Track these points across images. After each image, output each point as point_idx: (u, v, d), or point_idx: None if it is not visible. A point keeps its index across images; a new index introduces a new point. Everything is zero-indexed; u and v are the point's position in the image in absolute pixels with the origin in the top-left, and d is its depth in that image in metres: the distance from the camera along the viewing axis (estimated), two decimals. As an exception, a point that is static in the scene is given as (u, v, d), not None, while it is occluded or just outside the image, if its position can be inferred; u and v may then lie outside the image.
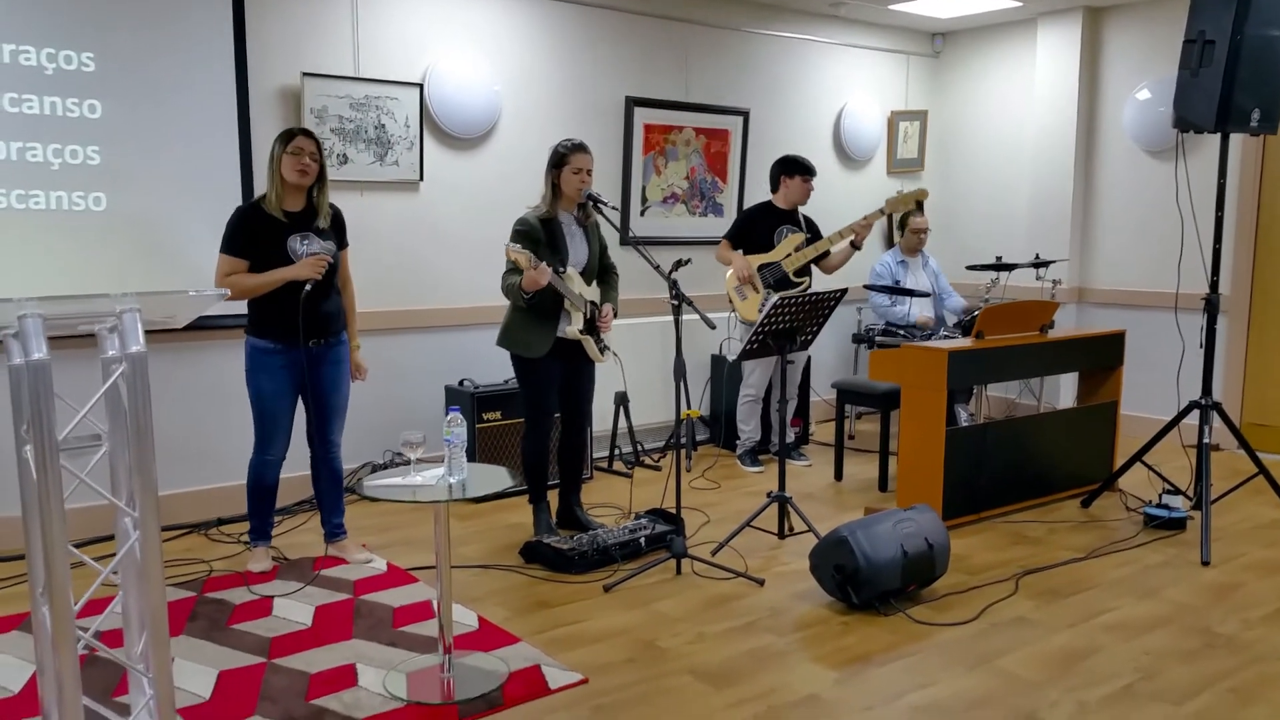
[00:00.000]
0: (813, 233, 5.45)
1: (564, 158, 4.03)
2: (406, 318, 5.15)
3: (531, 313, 4.03)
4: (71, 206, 4.15)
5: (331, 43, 4.83)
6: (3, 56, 3.97)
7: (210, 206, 4.37)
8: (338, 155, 4.81)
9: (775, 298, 4.09)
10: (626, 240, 4.29)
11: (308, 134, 3.72)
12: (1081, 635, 3.27)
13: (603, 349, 4.19)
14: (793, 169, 5.35)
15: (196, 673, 2.95)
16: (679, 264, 4.44)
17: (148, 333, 4.04)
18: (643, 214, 5.96)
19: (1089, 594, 3.65)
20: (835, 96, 6.83)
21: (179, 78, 4.39)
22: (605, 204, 4.08)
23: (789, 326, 4.19)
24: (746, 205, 6.19)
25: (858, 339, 6.33)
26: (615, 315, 4.24)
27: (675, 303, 3.93)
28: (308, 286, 3.65)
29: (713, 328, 4.02)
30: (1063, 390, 6.47)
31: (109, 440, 2.44)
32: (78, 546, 4.04)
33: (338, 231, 3.87)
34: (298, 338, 3.70)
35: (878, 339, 5.74)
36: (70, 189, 4.16)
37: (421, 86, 5.02)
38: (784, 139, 6.51)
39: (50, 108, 4.09)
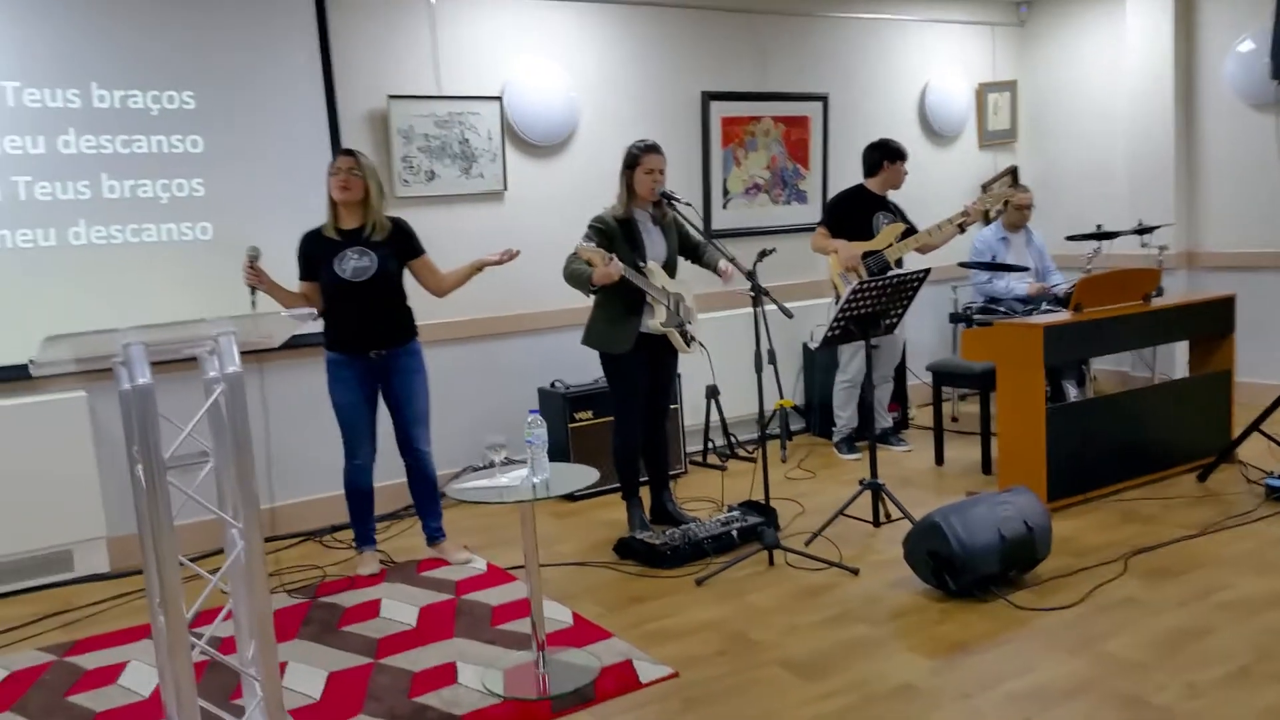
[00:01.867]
0: (906, 221, 5.37)
1: (636, 159, 4.07)
2: (497, 324, 5.24)
3: (614, 309, 4.07)
4: (180, 237, 4.39)
5: (414, 64, 4.96)
6: (114, 102, 4.27)
7: (307, 228, 4.52)
8: (425, 172, 4.94)
9: (855, 282, 4.06)
10: (705, 237, 4.30)
11: (347, 153, 3.88)
12: (1194, 615, 3.15)
13: (689, 340, 4.19)
14: (894, 155, 5.27)
15: (308, 675, 3.07)
16: (764, 254, 4.39)
17: (261, 351, 4.30)
18: (725, 207, 5.95)
19: (1203, 572, 3.51)
20: (918, 73, 6.71)
21: (273, 109, 4.57)
22: (679, 200, 4.12)
23: (871, 311, 4.15)
24: (832, 190, 6.10)
25: (955, 318, 6.20)
26: (736, 267, 4.15)
27: (753, 294, 3.94)
28: (251, 297, 3.66)
29: (790, 317, 4.01)
30: (1177, 361, 6.24)
31: (214, 456, 2.59)
32: (193, 560, 4.21)
33: (401, 242, 3.94)
34: (360, 348, 3.84)
35: (975, 317, 5.62)
36: (179, 220, 4.39)
37: (501, 99, 5.11)
38: (866, 120, 6.44)
39: (157, 146, 4.34)
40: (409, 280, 4.02)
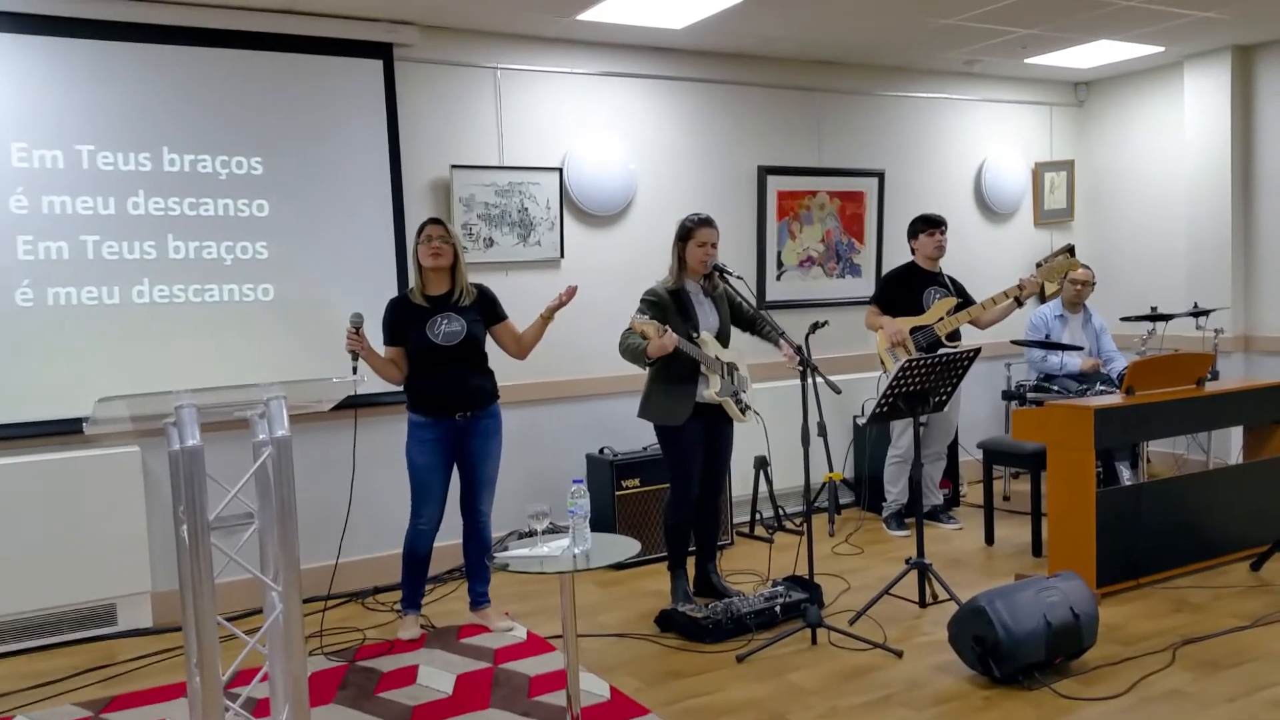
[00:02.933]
0: (960, 295, 5.32)
1: (690, 232, 4.07)
2: (550, 389, 5.23)
3: (669, 382, 4.05)
4: (242, 298, 4.44)
5: (477, 135, 5.03)
6: (184, 166, 4.36)
7: (368, 293, 4.60)
8: (484, 239, 4.97)
9: (904, 359, 3.99)
10: (757, 310, 4.26)
11: (436, 221, 3.94)
12: (1242, 711, 3.03)
13: (744, 409, 4.16)
14: (927, 223, 5.28)
15: (344, 739, 3.03)
16: (816, 326, 4.35)
17: (313, 414, 4.32)
18: (779, 278, 5.92)
19: (1254, 665, 3.38)
20: (975, 151, 6.68)
21: (338, 175, 4.63)
22: (731, 274, 4.10)
23: (920, 388, 4.08)
24: (886, 264, 6.08)
25: (1008, 395, 6.06)
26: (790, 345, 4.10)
27: (801, 368, 3.89)
28: (354, 363, 3.72)
29: (837, 393, 3.94)
30: (1233, 446, 6.02)
31: (259, 518, 2.58)
32: (234, 618, 4.22)
33: (485, 307, 4.00)
34: (446, 411, 3.85)
35: (1028, 395, 5.50)
36: (241, 282, 4.44)
37: (561, 170, 5.15)
38: (922, 196, 6.40)
39: (224, 209, 4.41)
40: (489, 344, 4.06)
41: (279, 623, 2.43)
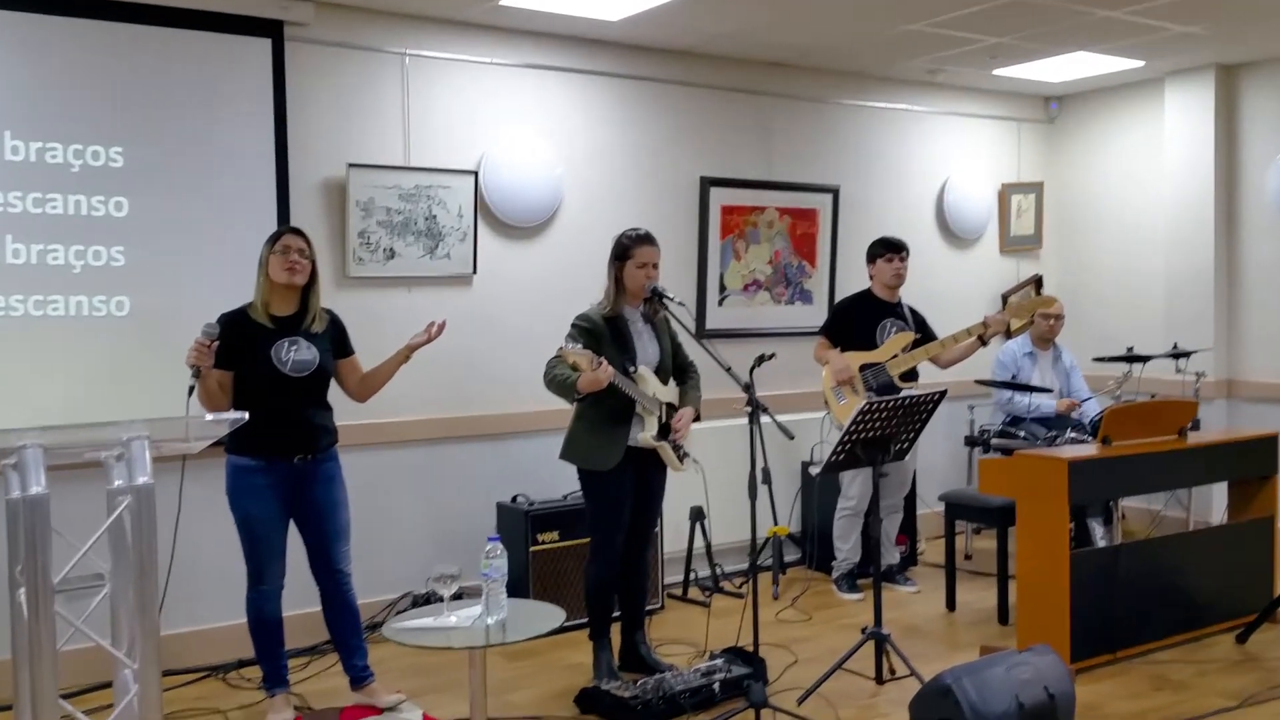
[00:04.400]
0: (921, 330, 5.42)
1: (628, 250, 4.08)
2: (457, 426, 5.14)
3: (599, 421, 4.04)
4: (93, 312, 4.25)
5: (379, 130, 4.94)
6: (28, 155, 4.15)
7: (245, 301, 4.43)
8: (384, 250, 4.89)
9: (862, 402, 4.01)
10: (698, 336, 4.26)
11: (296, 231, 3.85)
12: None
13: (682, 456, 4.17)
14: (875, 251, 5.40)
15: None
16: (761, 360, 4.36)
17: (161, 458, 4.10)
18: (721, 304, 5.95)
19: (1244, 753, 3.43)
20: (937, 169, 6.78)
21: (213, 172, 4.49)
22: (671, 299, 4.10)
23: (880, 434, 4.10)
24: (839, 290, 6.16)
25: (972, 441, 6.14)
26: (697, 418, 4.23)
27: (749, 409, 3.87)
28: (192, 381, 3.60)
29: (790, 438, 3.94)
30: (1215, 503, 6.17)
31: (111, 580, 2.47)
32: (71, 696, 3.89)
33: (337, 337, 3.95)
34: (285, 451, 3.73)
35: (993, 441, 5.59)
36: (92, 293, 4.25)
37: (476, 174, 5.10)
38: (879, 217, 6.47)
39: (74, 206, 4.22)
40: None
41: (133, 708, 2.32)
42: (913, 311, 5.48)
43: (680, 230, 5.80)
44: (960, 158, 6.88)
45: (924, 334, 5.40)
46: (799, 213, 6.19)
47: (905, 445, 4.27)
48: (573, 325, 4.05)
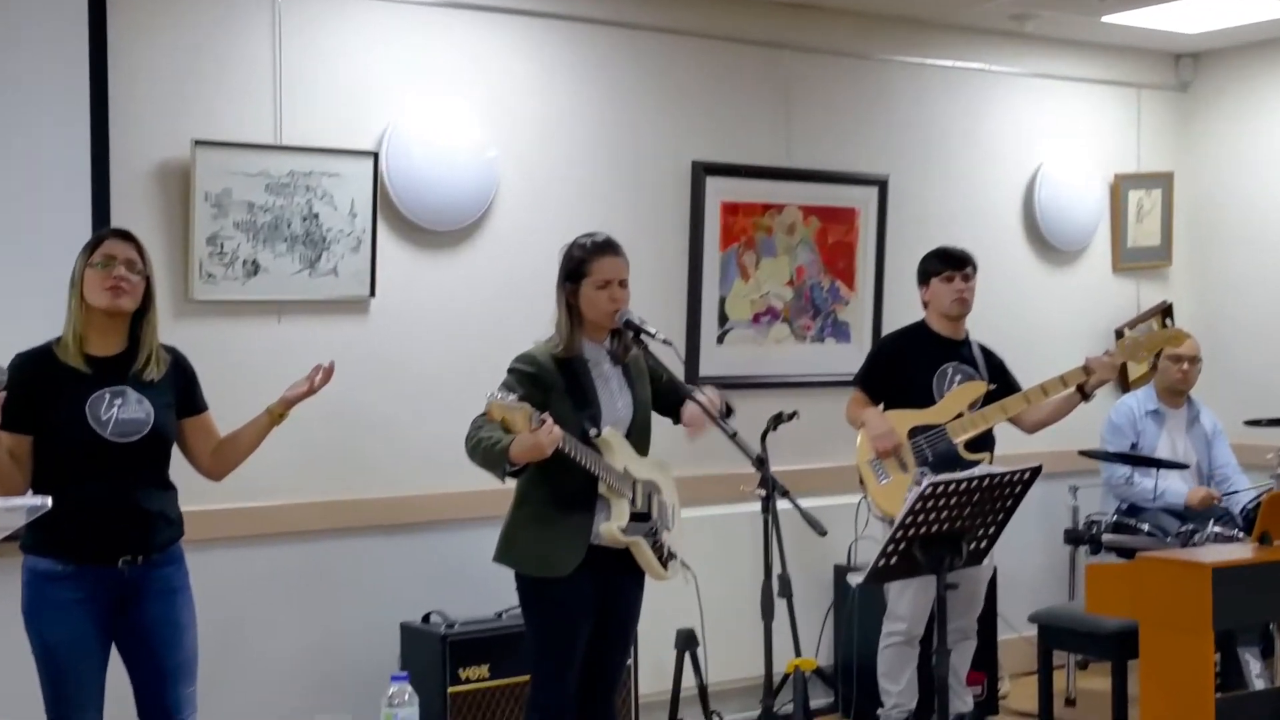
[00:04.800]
0: (998, 378, 5.41)
1: (581, 266, 4.07)
2: (347, 513, 5.08)
3: (547, 507, 4.06)
4: None
5: (239, 95, 4.87)
6: None
7: (46, 336, 4.32)
8: (245, 263, 4.82)
9: (925, 483, 3.94)
10: (688, 390, 4.23)
11: (123, 235, 3.78)
12: None
13: (666, 559, 4.17)
14: (929, 268, 5.39)
15: None
16: (778, 421, 4.33)
17: None
18: (721, 341, 5.90)
19: None
20: (1025, 154, 6.76)
21: (4, 151, 4.45)
22: (652, 334, 4.10)
23: (947, 528, 4.04)
24: (889, 323, 6.14)
25: (1075, 538, 6.05)
26: (729, 413, 4.23)
27: (763, 492, 3.81)
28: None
29: (821, 533, 3.87)
30: None
31: None
32: None
33: (182, 387, 3.90)
34: (104, 553, 3.67)
35: (1106, 538, 5.56)
36: None
37: (377, 156, 5.09)
38: (944, 220, 6.43)
39: None
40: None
41: None
42: (985, 352, 5.44)
43: (664, 237, 5.79)
44: (1057, 138, 6.83)
45: (1001, 384, 5.38)
46: (831, 213, 6.15)
47: (983, 545, 4.23)
48: (509, 371, 4.05)
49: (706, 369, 5.82)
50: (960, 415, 5.20)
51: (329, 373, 3.96)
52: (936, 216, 6.44)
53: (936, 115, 6.50)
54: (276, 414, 3.95)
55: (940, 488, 3.95)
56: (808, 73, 6.14)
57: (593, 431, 4.01)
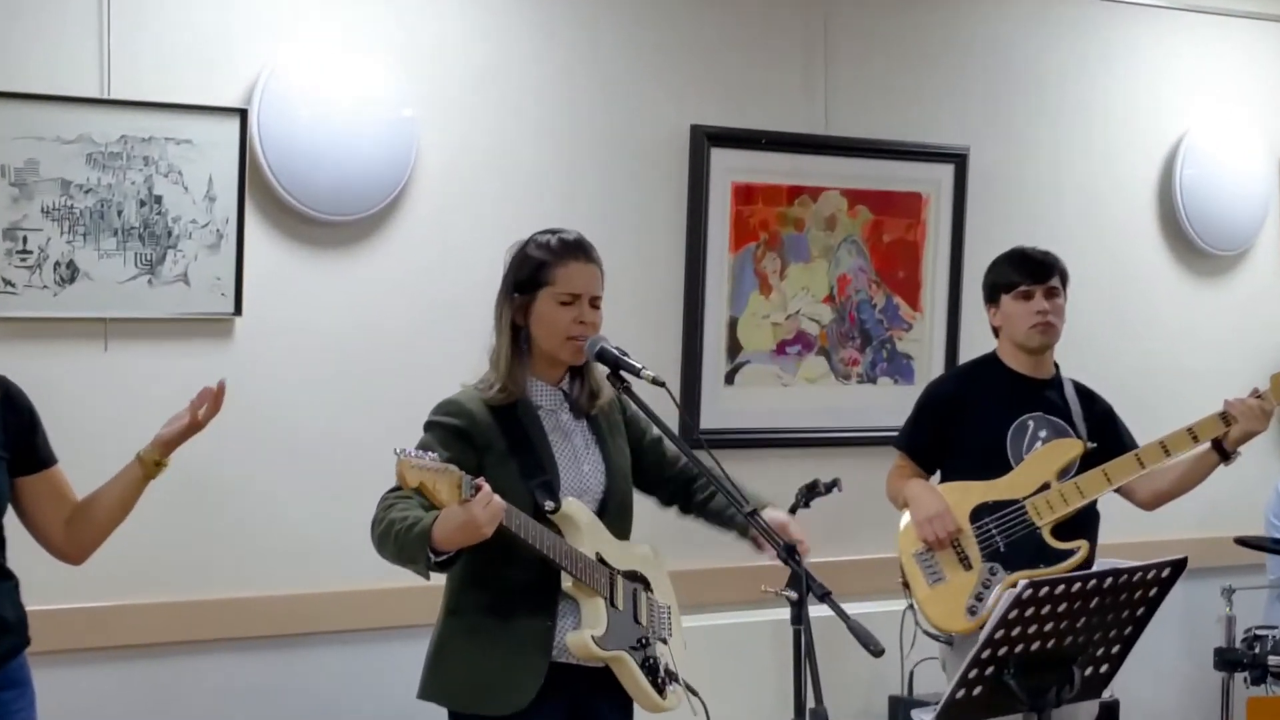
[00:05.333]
0: (1102, 433, 5.41)
1: (539, 273, 4.07)
2: (205, 619, 5.11)
3: (488, 614, 4.08)
4: None
5: (51, 32, 4.90)
6: None
7: None
8: (57, 264, 4.85)
9: (1021, 584, 3.93)
10: (688, 450, 4.17)
11: None
12: None
13: (661, 681, 4.16)
14: (997, 279, 5.41)
15: None
16: (813, 492, 4.32)
17: None
18: (730, 380, 5.99)
19: None
20: (1161, 119, 6.87)
21: None
22: (636, 369, 4.04)
23: (1055, 647, 4.04)
24: (969, 351, 6.21)
25: (1230, 660, 6.03)
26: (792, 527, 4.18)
27: (793, 594, 3.77)
28: None
29: (876, 653, 3.82)
30: None
31: None
32: None
33: (16, 432, 3.92)
34: None
35: (1274, 660, 5.65)
36: None
37: (245, 115, 5.14)
38: (1044, 209, 6.52)
39: None
40: (10, 521, 3.94)
41: None
42: (1084, 395, 5.48)
43: (651, 235, 5.88)
44: (1208, 96, 6.92)
45: (1106, 440, 5.40)
46: (887, 201, 6.24)
47: (1104, 670, 4.24)
48: (428, 426, 4.08)
49: (711, 419, 5.86)
50: (1046, 487, 5.19)
51: (218, 398, 3.98)
52: (1033, 206, 6.50)
53: (1034, 67, 6.58)
54: (151, 462, 3.97)
55: (1045, 590, 3.93)
56: (854, 7, 6.19)
57: (548, 505, 3.99)
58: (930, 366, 6.33)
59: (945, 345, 6.32)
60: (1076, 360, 5.50)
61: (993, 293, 5.39)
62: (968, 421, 5.38)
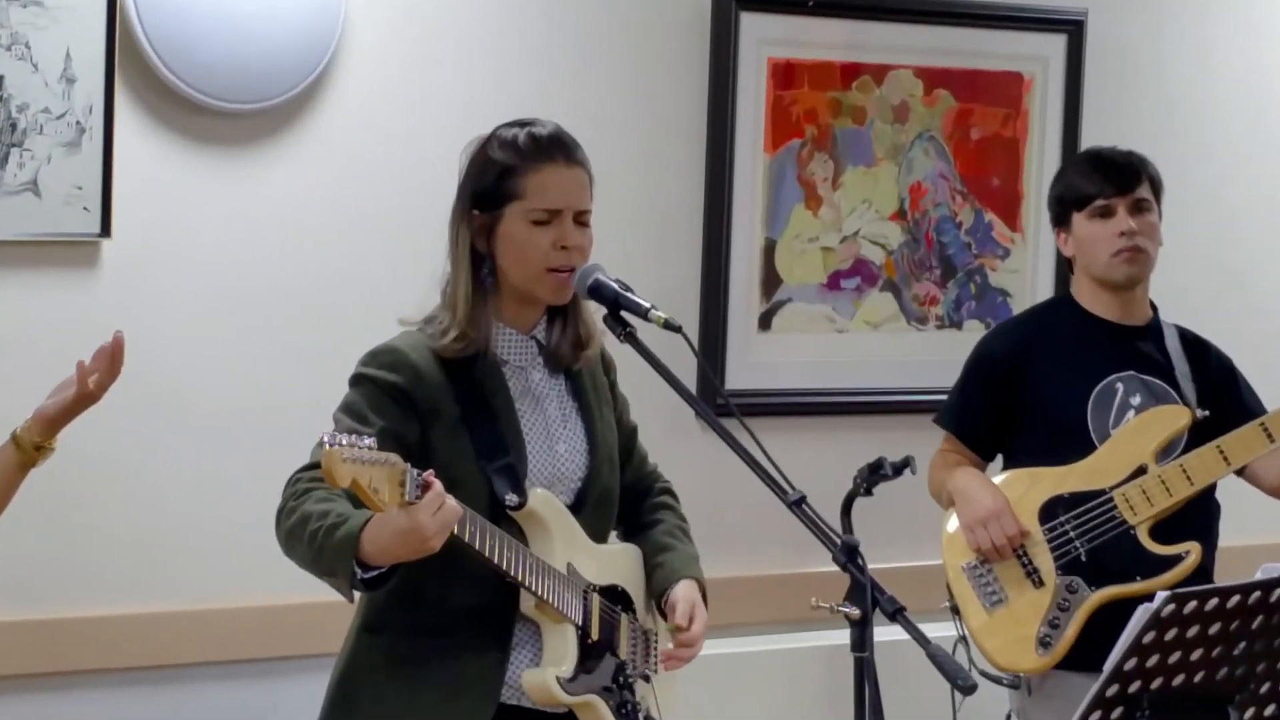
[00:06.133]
0: (1219, 396, 5.46)
1: (506, 179, 4.05)
2: (57, 644, 5.18)
3: (422, 636, 4.09)
4: None
5: None
6: None
7: None
8: None
9: (1159, 598, 3.92)
10: (708, 411, 4.15)
11: None
12: None
13: None
14: (1066, 191, 5.47)
15: None
16: (876, 477, 4.42)
17: None
18: (766, 323, 6.04)
19: None
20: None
21: None
22: (644, 309, 3.96)
23: (1202, 682, 4.03)
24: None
25: None
26: (695, 629, 4.26)
27: (854, 610, 3.79)
28: None
29: (966, 690, 3.85)
30: None
31: None
32: None
33: None
34: None
35: None
36: None
37: None
38: (1189, 97, 6.54)
39: None
40: None
41: None
42: (1193, 345, 5.52)
43: (661, 129, 5.95)
44: None
45: (1225, 406, 5.43)
46: (977, 82, 6.28)
47: (1271, 713, 4.22)
48: (356, 380, 4.07)
49: (739, 377, 5.92)
50: (1142, 471, 5.23)
51: (115, 358, 3.93)
52: (1171, 93, 6.53)
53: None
54: (30, 445, 4.00)
55: (1192, 606, 3.90)
56: None
57: (510, 499, 3.97)
58: (1025, 293, 6.27)
59: (1054, 277, 6.34)
60: (1168, 299, 5.52)
61: (1061, 212, 5.42)
62: (1034, 387, 5.39)
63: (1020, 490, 5.24)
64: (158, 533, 5.26)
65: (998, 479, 5.32)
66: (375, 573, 3.80)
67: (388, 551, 3.71)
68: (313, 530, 3.82)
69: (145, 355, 5.07)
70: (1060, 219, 5.39)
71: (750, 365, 5.97)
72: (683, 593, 4.22)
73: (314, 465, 3.85)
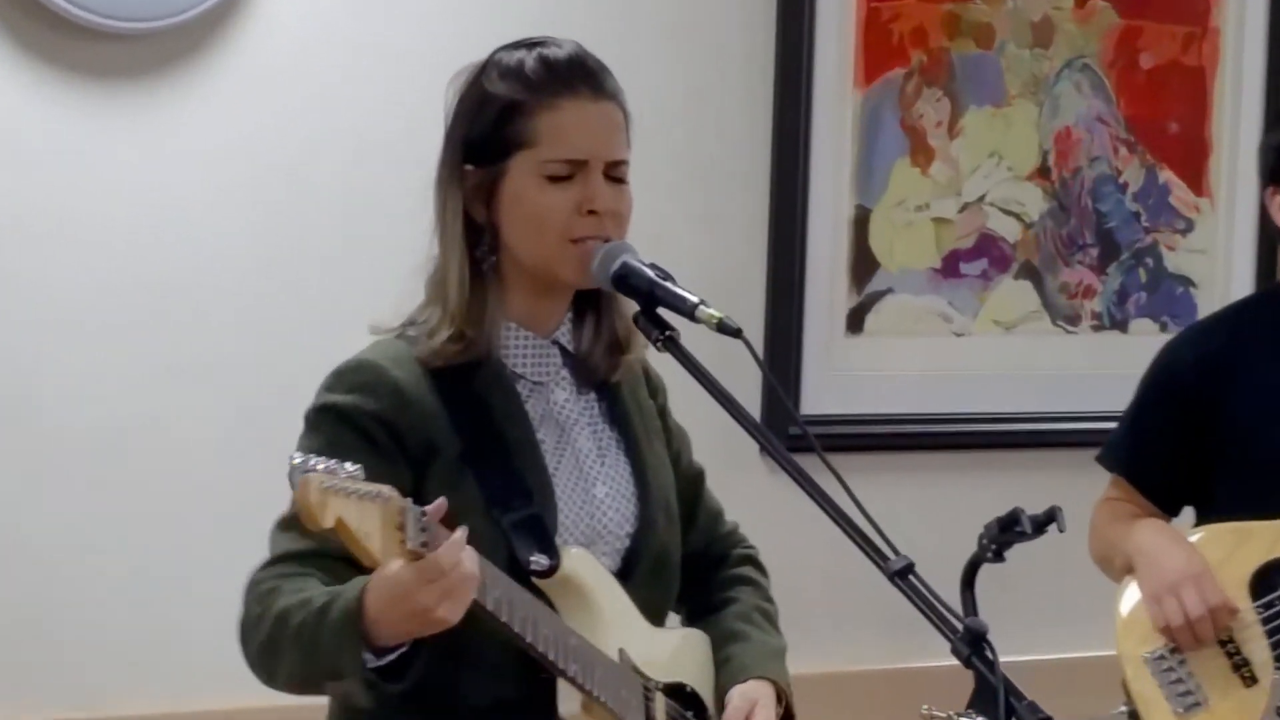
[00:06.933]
0: None
1: (512, 121, 3.92)
2: None
3: None
4: None
5: None
6: None
7: None
8: None
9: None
10: (779, 448, 4.10)
11: None
12: None
13: None
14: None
15: None
16: (1010, 534, 4.28)
17: None
18: (858, 324, 6.01)
19: None
20: None
21: None
22: (690, 305, 3.88)
23: None
24: None
25: None
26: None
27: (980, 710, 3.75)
28: None
29: None
30: None
31: None
32: None
33: None
34: None
35: None
36: None
37: None
38: None
39: None
40: None
41: None
42: None
43: (712, 60, 5.92)
44: None
45: None
46: (1147, 11, 6.18)
47: None
48: (320, 409, 3.93)
49: (819, 399, 5.92)
50: None
51: None
52: None
53: None
54: None
55: None
56: None
57: (537, 561, 3.83)
58: (1229, 299, 6.17)
59: (1255, 260, 6.31)
60: None
61: (1273, 164, 5.40)
62: (1239, 413, 5.37)
63: (1223, 553, 5.24)
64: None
65: (1192, 538, 5.30)
66: (392, 657, 3.69)
67: (397, 626, 3.60)
68: (297, 625, 3.72)
69: (3, 360, 5.19)
70: (1273, 174, 5.32)
71: (835, 381, 5.98)
72: (742, 692, 4.12)
73: (279, 559, 3.82)
